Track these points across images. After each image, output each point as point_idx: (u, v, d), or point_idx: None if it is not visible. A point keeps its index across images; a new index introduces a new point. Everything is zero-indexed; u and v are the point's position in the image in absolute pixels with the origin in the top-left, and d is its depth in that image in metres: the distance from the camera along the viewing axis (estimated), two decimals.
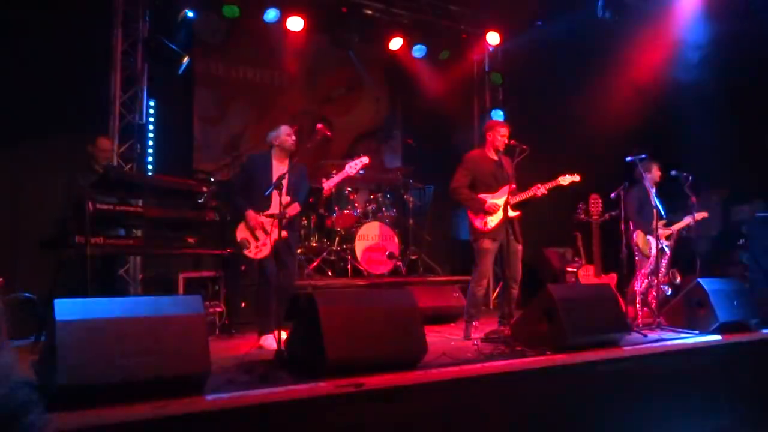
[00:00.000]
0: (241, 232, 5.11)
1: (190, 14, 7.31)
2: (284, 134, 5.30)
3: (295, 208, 5.14)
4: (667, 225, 6.59)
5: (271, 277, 5.09)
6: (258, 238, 5.09)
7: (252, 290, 5.86)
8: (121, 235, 5.08)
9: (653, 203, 6.28)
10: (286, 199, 4.92)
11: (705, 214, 6.58)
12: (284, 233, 4.87)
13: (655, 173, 6.67)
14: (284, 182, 4.80)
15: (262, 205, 5.11)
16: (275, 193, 4.75)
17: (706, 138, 7.61)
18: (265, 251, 5.08)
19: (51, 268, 4.94)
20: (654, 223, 6.13)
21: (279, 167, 5.25)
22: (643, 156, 6.43)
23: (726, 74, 7.71)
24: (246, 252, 5.08)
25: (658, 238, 6.31)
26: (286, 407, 3.30)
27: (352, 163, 5.49)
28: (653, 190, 6.54)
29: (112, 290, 5.66)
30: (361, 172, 5.94)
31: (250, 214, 5.09)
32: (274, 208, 4.97)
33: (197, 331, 3.35)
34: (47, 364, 3.03)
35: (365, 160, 5.61)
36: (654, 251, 6.38)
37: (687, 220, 6.54)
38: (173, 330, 3.24)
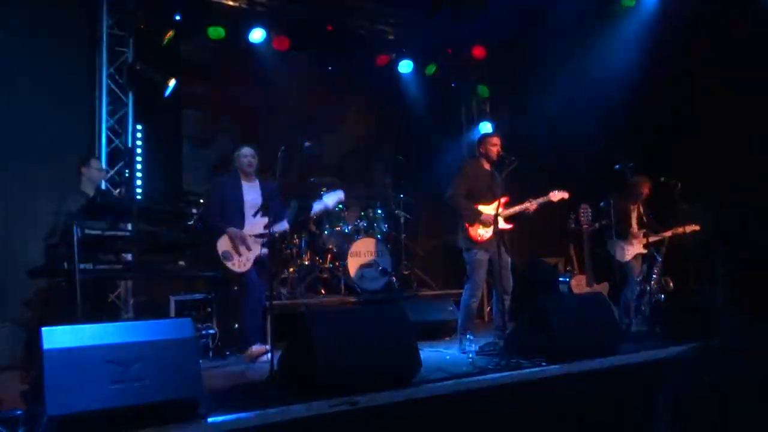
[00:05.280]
0: (223, 245, 5.24)
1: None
2: (241, 157, 5.53)
3: (282, 226, 5.38)
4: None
5: (252, 287, 5.25)
6: (240, 252, 5.25)
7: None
8: (110, 260, 5.03)
9: None
10: (264, 219, 5.08)
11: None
12: (265, 250, 5.19)
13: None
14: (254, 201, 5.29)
15: (238, 225, 5.34)
16: (250, 212, 5.17)
17: (694, 144, 7.64)
18: (248, 265, 5.28)
19: (41, 295, 4.89)
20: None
21: (248, 186, 5.51)
22: (631, 164, 6.47)
23: (713, 77, 7.75)
24: (229, 264, 5.20)
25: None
26: (281, 428, 3.27)
27: (331, 194, 5.61)
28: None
29: (103, 315, 5.60)
30: (340, 206, 6.49)
31: (233, 230, 5.27)
32: (251, 227, 5.33)
33: (189, 355, 3.33)
34: (37, 393, 2.99)
35: (341, 196, 5.65)
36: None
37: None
38: (164, 354, 3.21)
